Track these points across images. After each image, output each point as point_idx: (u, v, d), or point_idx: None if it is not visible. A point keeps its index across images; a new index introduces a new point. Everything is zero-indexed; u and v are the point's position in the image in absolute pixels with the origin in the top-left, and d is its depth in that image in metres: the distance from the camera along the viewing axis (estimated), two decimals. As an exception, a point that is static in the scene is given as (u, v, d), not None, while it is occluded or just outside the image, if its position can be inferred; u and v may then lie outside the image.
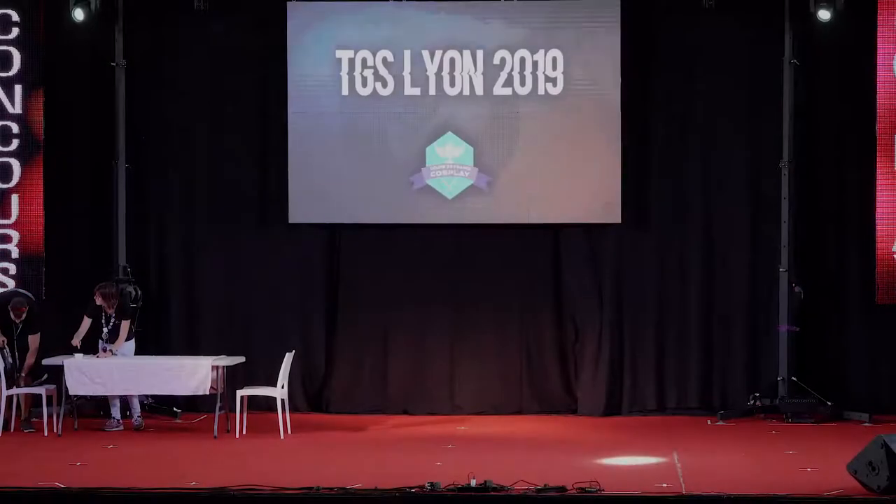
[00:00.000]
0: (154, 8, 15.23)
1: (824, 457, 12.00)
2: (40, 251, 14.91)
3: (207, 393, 13.41)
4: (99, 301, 14.10)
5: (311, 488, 10.32)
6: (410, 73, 15.00)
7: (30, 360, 13.91)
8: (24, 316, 13.92)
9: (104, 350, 13.94)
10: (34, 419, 13.97)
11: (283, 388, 13.53)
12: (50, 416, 13.62)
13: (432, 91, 14.99)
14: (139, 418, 13.95)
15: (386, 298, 15.21)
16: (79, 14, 14.59)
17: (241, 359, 14.11)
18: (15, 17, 14.90)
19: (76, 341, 13.93)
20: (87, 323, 14.17)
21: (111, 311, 14.11)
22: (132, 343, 14.31)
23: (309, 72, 15.04)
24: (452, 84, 14.97)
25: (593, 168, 14.93)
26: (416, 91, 15.01)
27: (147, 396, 14.51)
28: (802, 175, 14.89)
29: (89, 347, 14.08)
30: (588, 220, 15.04)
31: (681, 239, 15.15)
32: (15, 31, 14.91)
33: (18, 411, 13.87)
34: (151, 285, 15.30)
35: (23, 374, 13.89)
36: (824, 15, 14.26)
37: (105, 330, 14.11)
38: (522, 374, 15.22)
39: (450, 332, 15.23)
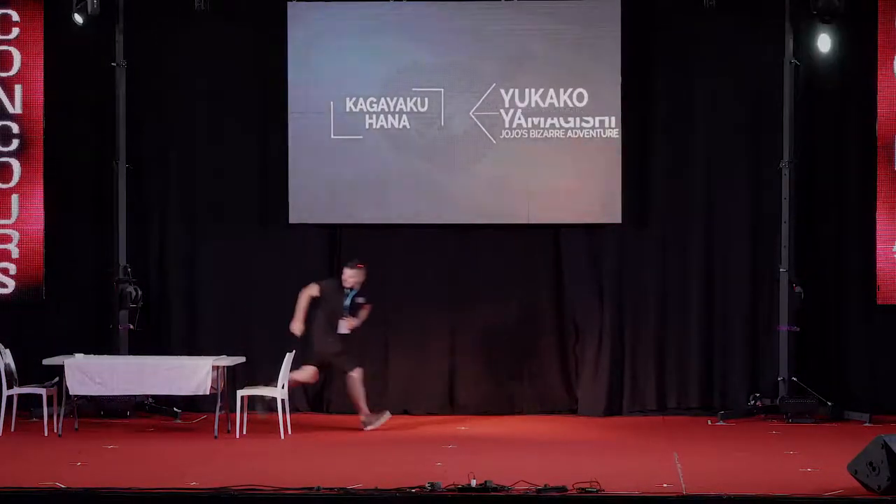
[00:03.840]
0: (154, 8, 15.23)
1: (824, 457, 11.99)
2: (40, 251, 14.92)
3: (208, 393, 13.40)
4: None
5: (311, 488, 10.31)
6: (410, 73, 15.01)
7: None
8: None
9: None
10: (34, 419, 13.98)
11: (283, 388, 13.53)
12: (50, 417, 13.62)
13: (432, 91, 15.00)
14: None
15: (386, 298, 15.20)
16: (78, 18, 14.60)
17: (241, 359, 14.11)
18: (15, 17, 14.92)
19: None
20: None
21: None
22: None
23: (309, 71, 15.04)
24: (452, 83, 14.98)
25: (593, 168, 14.94)
26: (416, 90, 15.02)
27: (147, 396, 14.52)
28: (802, 175, 14.89)
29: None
30: (588, 220, 15.04)
31: (681, 239, 15.15)
32: (15, 31, 14.93)
33: (25, 411, 13.90)
34: (151, 285, 15.31)
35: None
36: (824, 45, 14.36)
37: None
38: (523, 374, 15.23)
39: (450, 332, 15.24)
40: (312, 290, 14.10)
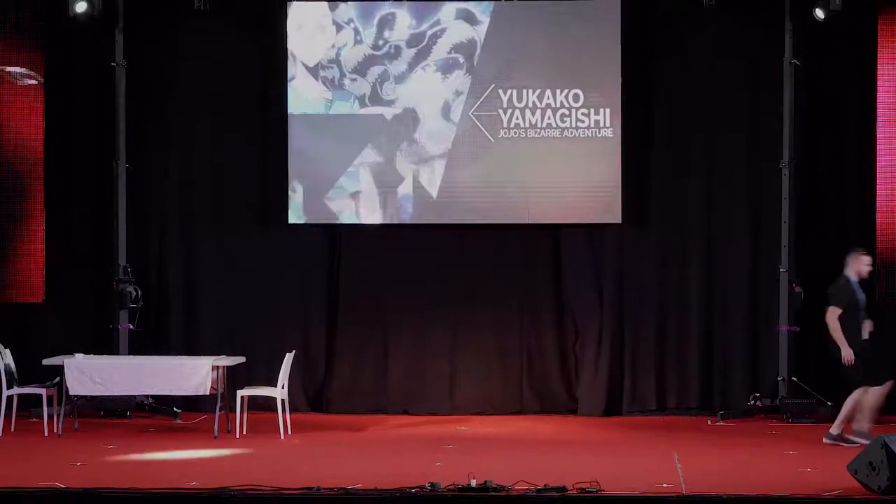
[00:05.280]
0: (154, 8, 15.24)
1: (824, 457, 11.99)
2: (40, 251, 14.92)
3: (207, 393, 13.39)
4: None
5: (311, 488, 10.30)
6: (410, 74, 15.02)
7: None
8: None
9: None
10: (34, 419, 13.98)
11: (283, 388, 13.52)
12: (50, 417, 13.61)
13: (432, 91, 15.00)
14: None
15: (386, 298, 15.22)
16: (80, 7, 14.49)
17: (241, 359, 14.10)
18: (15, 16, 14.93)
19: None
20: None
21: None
22: None
23: (309, 71, 15.05)
24: (452, 83, 14.98)
25: (593, 168, 14.94)
26: (416, 90, 15.03)
27: (147, 396, 14.52)
28: (802, 175, 14.90)
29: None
30: (588, 220, 15.05)
31: (681, 239, 15.15)
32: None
33: (25, 411, 13.89)
34: (151, 285, 15.31)
35: None
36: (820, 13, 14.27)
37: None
38: (522, 374, 15.24)
39: (450, 332, 15.24)
40: (836, 312, 12.74)
